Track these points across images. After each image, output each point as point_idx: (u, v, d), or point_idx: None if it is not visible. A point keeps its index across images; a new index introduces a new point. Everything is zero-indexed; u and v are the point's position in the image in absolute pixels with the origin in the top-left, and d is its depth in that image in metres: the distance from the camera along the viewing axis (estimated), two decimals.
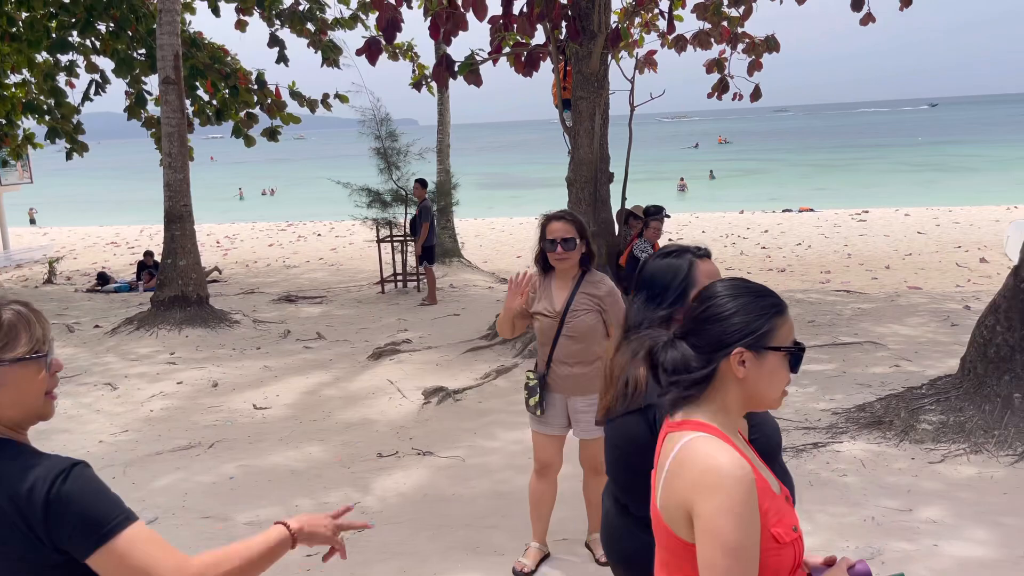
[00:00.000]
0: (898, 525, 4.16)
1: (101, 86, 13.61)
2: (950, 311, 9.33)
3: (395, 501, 4.82)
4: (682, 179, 38.98)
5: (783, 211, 26.09)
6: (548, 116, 9.84)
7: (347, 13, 14.00)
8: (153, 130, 13.71)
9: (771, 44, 11.30)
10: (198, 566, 1.56)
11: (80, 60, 13.85)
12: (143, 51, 12.99)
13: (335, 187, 12.75)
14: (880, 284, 12.67)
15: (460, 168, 16.43)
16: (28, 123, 14.60)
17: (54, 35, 12.33)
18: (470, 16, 7.85)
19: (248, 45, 16.94)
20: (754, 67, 11.30)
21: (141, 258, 15.20)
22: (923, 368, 6.91)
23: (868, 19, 9.40)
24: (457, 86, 12.86)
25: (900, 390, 5.92)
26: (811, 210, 25.71)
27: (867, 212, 23.71)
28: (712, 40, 11.27)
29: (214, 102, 13.94)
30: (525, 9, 7.76)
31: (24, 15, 12.24)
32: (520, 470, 5.15)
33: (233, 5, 13.58)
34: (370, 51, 8.09)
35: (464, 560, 4.06)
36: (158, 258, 14.68)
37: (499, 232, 22.94)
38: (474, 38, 9.60)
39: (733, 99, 11.81)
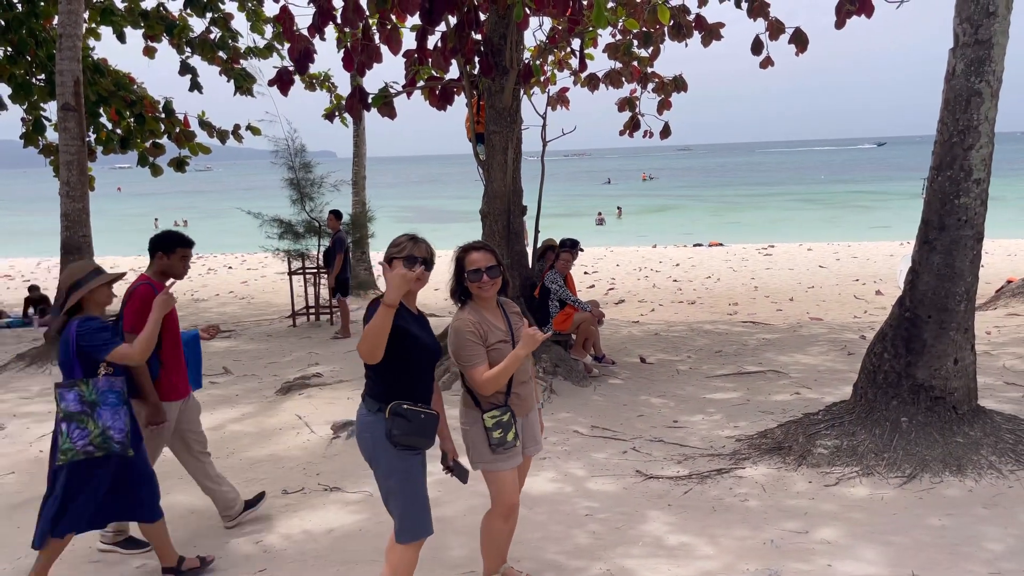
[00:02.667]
0: (796, 547, 4.29)
1: None
2: (847, 340, 9.77)
3: (300, 539, 4.68)
4: (600, 213, 39.85)
5: (694, 245, 26.90)
6: (462, 150, 9.94)
7: (261, 42, 13.85)
8: (52, 158, 13.16)
9: (679, 83, 11.73)
10: None
11: None
12: (42, 76, 12.50)
13: (247, 219, 12.48)
14: (784, 315, 13.16)
15: (376, 201, 16.36)
16: None
17: None
18: (384, 49, 7.90)
19: (158, 73, 16.53)
20: (663, 106, 11.70)
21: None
22: (822, 395, 7.19)
23: (767, 63, 9.87)
24: (372, 119, 12.86)
25: (799, 416, 6.14)
26: (720, 245, 26.61)
27: (773, 247, 24.70)
28: (623, 79, 11.64)
29: (118, 131, 13.49)
30: (439, 44, 7.86)
31: None
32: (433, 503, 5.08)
33: (140, 32, 13.24)
34: (282, 82, 8.02)
35: None
36: (46, 291, 14.10)
37: None
38: (388, 71, 9.66)
39: (644, 136, 12.18)
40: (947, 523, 4.50)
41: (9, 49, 12.08)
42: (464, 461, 3.70)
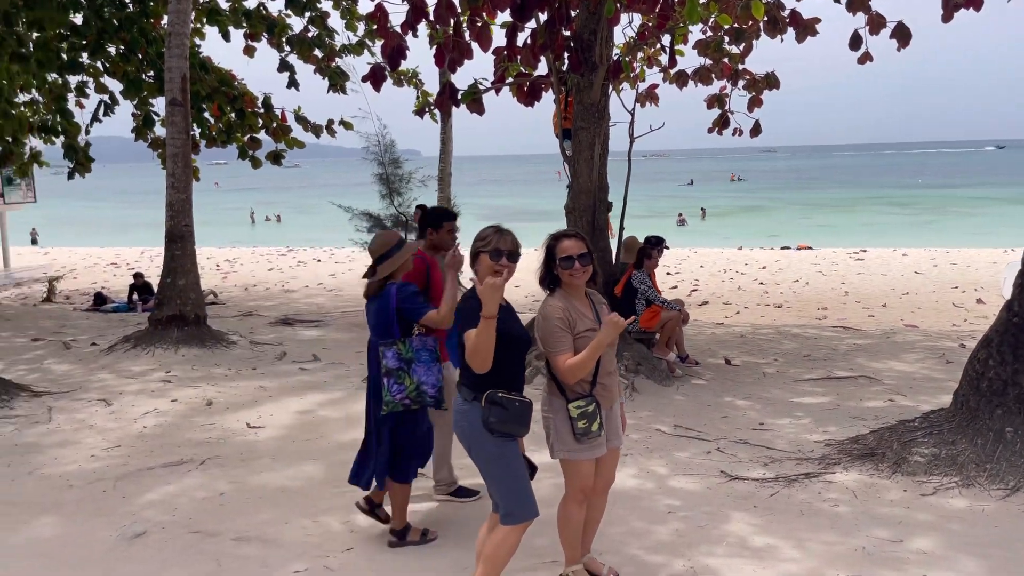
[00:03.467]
0: (888, 555, 4.15)
1: (110, 107, 13.75)
2: (946, 348, 9.36)
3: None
4: (680, 214, 39.28)
5: (781, 248, 26.21)
6: (542, 150, 9.92)
7: (355, 39, 14.21)
8: (159, 151, 13.82)
9: (771, 81, 11.45)
10: None
11: (90, 81, 14.01)
12: (152, 73, 13.15)
13: (336, 215, 12.86)
14: (876, 322, 12.69)
15: (460, 199, 16.56)
16: (34, 142, 14.73)
17: (65, 56, 12.49)
18: (474, 46, 7.99)
19: (256, 70, 17.17)
20: (754, 103, 11.44)
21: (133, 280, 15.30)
22: (917, 403, 6.92)
23: (866, 58, 9.54)
24: (459, 118, 13.01)
25: (893, 423, 5.92)
26: (809, 248, 25.84)
27: (865, 251, 23.83)
28: (713, 76, 11.43)
29: (220, 125, 14.08)
30: (529, 40, 7.90)
31: (36, 36, 12.41)
32: None
33: (242, 31, 13.78)
34: (374, 78, 8.21)
35: None
36: (150, 279, 14.83)
37: None
38: (478, 67, 9.78)
39: (733, 134, 11.95)
40: None
41: (122, 47, 12.75)
42: (534, 455, 3.71)
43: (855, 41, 9.52)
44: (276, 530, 4.68)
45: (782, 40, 9.93)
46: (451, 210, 5.25)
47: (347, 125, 13.42)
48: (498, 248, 3.45)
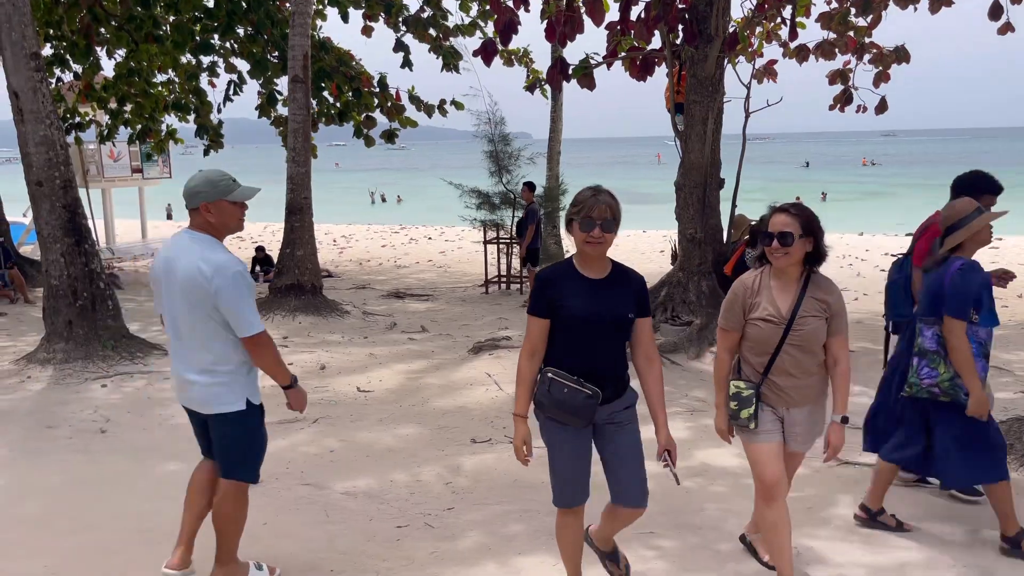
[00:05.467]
0: None
1: (239, 86, 14.47)
2: None
3: (486, 483, 4.90)
4: (798, 197, 37.88)
5: (906, 235, 24.82)
6: (651, 132, 9.73)
7: (468, 20, 14.37)
8: (281, 128, 14.45)
9: (901, 54, 10.87)
10: None
11: (220, 62, 14.79)
12: (276, 54, 13.74)
13: (447, 195, 13.06)
14: (1011, 312, 11.86)
15: (571, 181, 16.53)
16: (169, 120, 15.69)
17: (198, 38, 13.22)
18: (587, 19, 7.94)
19: (369, 50, 17.64)
20: (881, 78, 10.89)
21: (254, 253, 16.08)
22: None
23: (1007, 28, 8.89)
24: (569, 97, 12.97)
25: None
26: None
27: (1001, 239, 22.25)
28: (836, 50, 10.94)
29: (338, 104, 14.56)
30: (643, 13, 7.77)
31: (171, 19, 13.18)
32: None
33: (360, 12, 14.17)
34: (486, 52, 8.29)
35: (548, 544, 4.06)
36: (271, 252, 15.55)
37: None
38: (588, 42, 9.69)
39: (857, 111, 11.41)
40: None
41: (249, 28, 13.37)
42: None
43: (995, 10, 8.89)
44: (381, 486, 4.85)
45: (915, 9, 9.38)
46: (996, 182, 4.44)
47: (458, 105, 13.62)
48: (589, 217, 3.01)
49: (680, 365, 7.66)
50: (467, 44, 14.26)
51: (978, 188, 4.39)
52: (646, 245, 21.59)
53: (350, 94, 14.18)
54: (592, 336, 3.06)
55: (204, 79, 15.03)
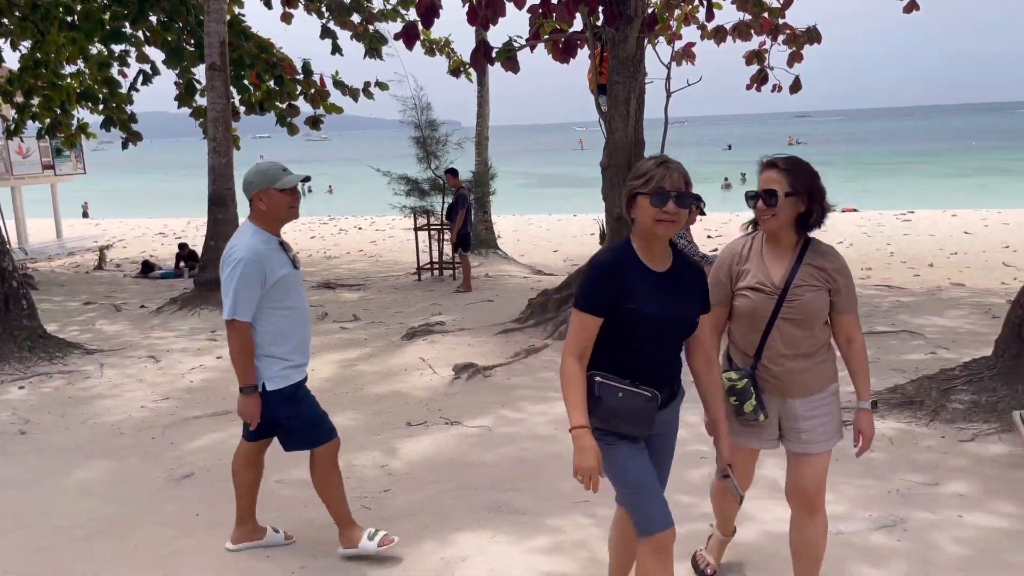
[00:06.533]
0: (923, 497, 4.13)
1: (150, 76, 13.99)
2: (992, 304, 9.16)
3: (422, 465, 4.91)
4: (726, 178, 38.82)
5: (843, 211, 25.70)
6: (584, 117, 9.83)
7: (390, 5, 14.21)
8: (201, 119, 14.06)
9: (813, 35, 11.20)
10: None
11: (132, 51, 14.26)
12: (192, 42, 13.33)
13: (377, 185, 12.95)
14: (922, 281, 12.42)
15: (500, 167, 16.55)
16: (81, 113, 15.08)
17: (108, 26, 12.71)
18: (508, 3, 7.95)
19: (291, 38, 17.29)
20: (795, 58, 11.21)
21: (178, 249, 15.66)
22: (960, 355, 6.78)
23: (912, 6, 9.26)
24: (496, 85, 12.97)
25: (934, 373, 5.84)
26: (854, 210, 25.32)
27: (912, 213, 23.27)
28: (752, 31, 11.21)
29: (258, 92, 14.23)
30: None
31: (79, 6, 12.65)
32: (544, 440, 5.22)
33: None
34: (408, 36, 8.21)
35: (485, 518, 4.13)
36: (195, 247, 15.15)
37: (537, 228, 23.01)
38: (511, 25, 9.71)
39: (772, 91, 11.74)
40: None
41: (162, 16, 12.93)
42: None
43: None
44: None
45: None
46: None
47: (383, 86, 13.48)
48: (661, 188, 2.50)
49: None
50: (390, 29, 14.07)
51: None
52: (577, 229, 21.85)
53: (271, 82, 13.88)
54: (658, 341, 2.61)
55: (116, 69, 14.49)
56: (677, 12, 12.01)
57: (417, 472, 4.79)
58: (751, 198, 2.82)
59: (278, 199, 3.51)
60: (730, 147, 76.58)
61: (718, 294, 2.91)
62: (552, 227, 22.88)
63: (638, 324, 2.56)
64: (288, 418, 3.62)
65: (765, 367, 2.86)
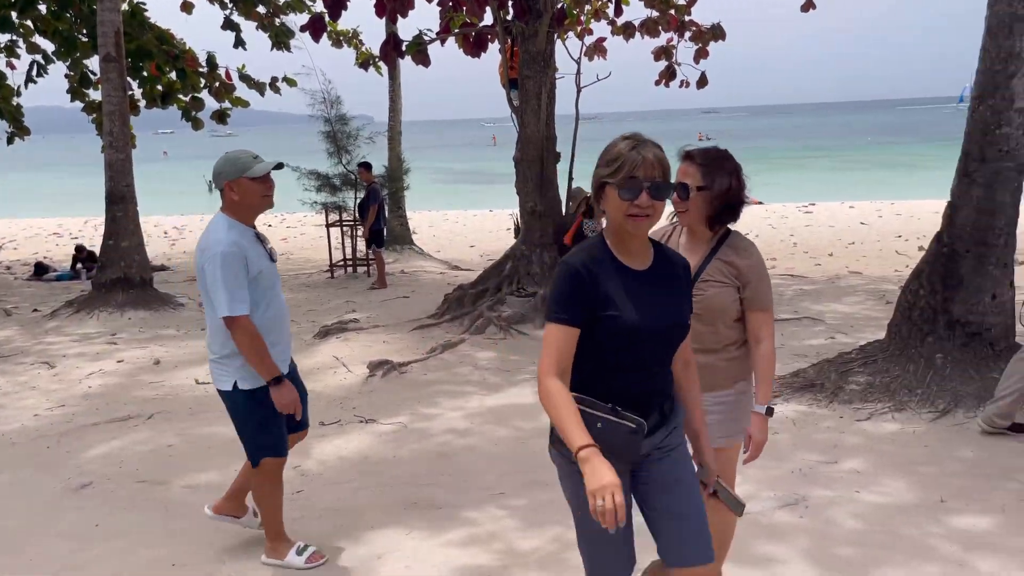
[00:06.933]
0: (822, 476, 4.31)
1: (43, 68, 13.27)
2: (886, 290, 9.63)
3: (336, 464, 4.83)
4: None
5: (757, 203, 26.52)
6: (499, 112, 9.86)
7: None
8: (94, 115, 13.42)
9: (717, 32, 11.54)
10: None
11: (20, 41, 13.49)
12: (85, 31, 12.71)
13: (287, 182, 12.60)
14: (823, 270, 12.97)
15: (414, 163, 16.39)
16: None
17: None
18: None
19: (194, 30, 16.72)
20: (700, 54, 11.52)
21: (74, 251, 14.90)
22: (857, 339, 7.11)
23: (809, 5, 9.64)
24: (407, 79, 12.85)
25: (832, 357, 6.10)
26: (760, 203, 26.21)
27: (814, 205, 24.27)
28: (660, 27, 11.47)
29: (160, 86, 13.69)
30: None
31: None
32: (460, 434, 5.21)
33: None
34: (314, 28, 8.07)
35: (401, 515, 4.09)
36: (93, 247, 14.46)
37: (453, 223, 22.93)
38: (421, 19, 9.64)
39: (680, 86, 12.04)
40: (980, 454, 4.47)
41: (53, 4, 12.28)
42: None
43: None
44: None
45: None
46: None
47: (291, 82, 13.17)
48: (633, 177, 2.15)
49: (527, 335, 7.85)
50: (297, 21, 13.74)
51: None
52: (493, 224, 21.87)
53: (173, 74, 13.36)
54: (640, 351, 2.24)
55: (2, 60, 13.68)
56: (587, 7, 12.18)
57: (330, 472, 4.70)
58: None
59: (251, 188, 3.39)
60: None
61: None
62: (468, 222, 22.86)
63: (619, 335, 2.19)
64: (242, 420, 3.51)
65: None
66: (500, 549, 3.70)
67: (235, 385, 3.43)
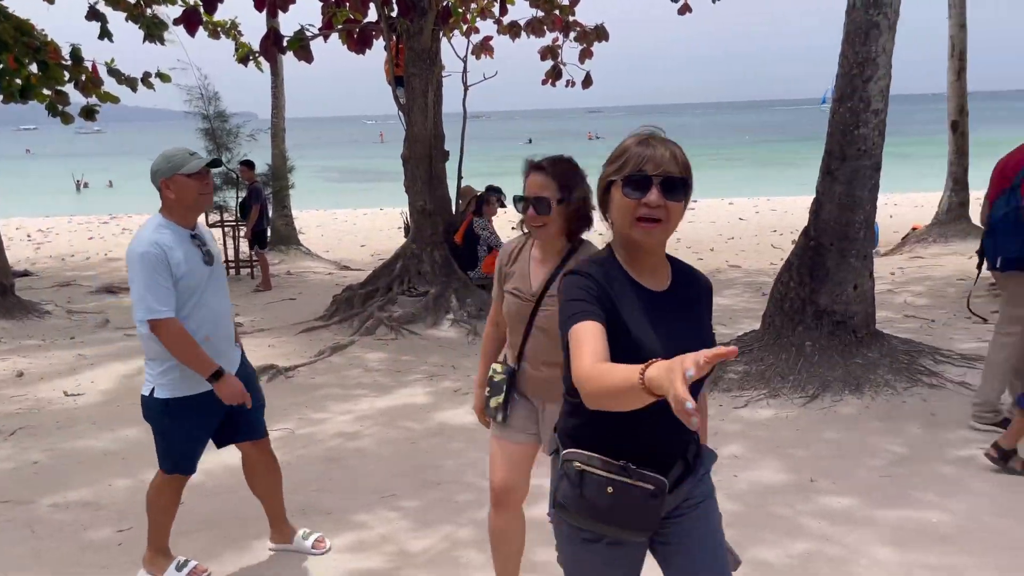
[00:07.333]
0: None
1: None
2: (763, 283, 10.13)
3: (219, 473, 4.65)
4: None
5: None
6: (385, 110, 9.76)
7: None
8: None
9: (601, 33, 11.78)
10: None
11: None
12: None
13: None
14: (704, 264, 13.49)
15: (299, 161, 15.98)
16: None
17: None
18: None
19: (62, 21, 15.71)
20: (585, 55, 11.74)
21: None
22: (735, 331, 7.44)
23: (685, 8, 9.99)
24: (292, 76, 12.51)
25: None
26: None
27: (696, 202, 25.19)
28: (545, 27, 11.61)
29: (18, 80, 12.76)
30: None
31: None
32: (349, 437, 5.13)
33: None
34: (189, 21, 7.74)
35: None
36: None
37: (342, 222, 22.54)
38: (304, 13, 9.40)
39: (567, 86, 12.23)
40: (844, 436, 4.77)
41: None
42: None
43: None
44: (98, 494, 4.44)
45: None
46: None
47: (164, 77, 12.52)
48: (641, 172, 1.84)
49: (418, 334, 7.80)
50: (171, 14, 13.12)
51: None
52: (384, 222, 21.60)
53: (34, 67, 12.49)
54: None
55: None
56: (472, 6, 12.20)
57: (214, 482, 4.53)
58: (519, 201, 2.64)
59: (186, 185, 3.28)
60: (530, 141, 78.73)
61: (496, 290, 2.88)
62: (358, 221, 22.51)
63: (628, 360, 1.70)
64: (156, 428, 3.44)
65: (525, 369, 2.77)
66: (391, 551, 3.66)
67: (152, 392, 3.36)
